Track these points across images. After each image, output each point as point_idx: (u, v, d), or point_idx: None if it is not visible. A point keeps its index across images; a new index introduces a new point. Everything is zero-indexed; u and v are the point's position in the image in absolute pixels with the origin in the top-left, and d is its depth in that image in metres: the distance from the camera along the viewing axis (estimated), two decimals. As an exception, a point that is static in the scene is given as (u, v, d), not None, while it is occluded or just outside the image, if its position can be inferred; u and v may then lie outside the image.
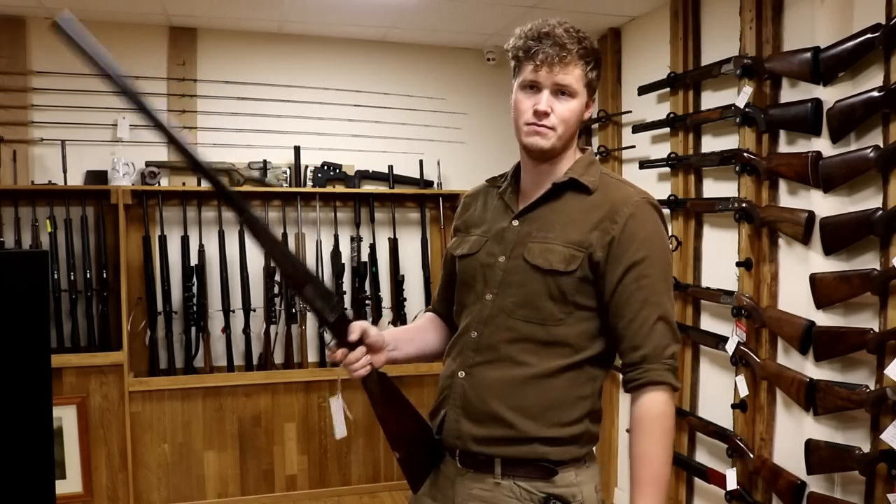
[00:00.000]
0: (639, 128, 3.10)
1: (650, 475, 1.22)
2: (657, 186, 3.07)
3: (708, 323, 2.78)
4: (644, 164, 3.04)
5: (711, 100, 2.75)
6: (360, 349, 1.29)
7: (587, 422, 1.30)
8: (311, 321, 3.60)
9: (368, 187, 3.73)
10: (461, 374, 1.32)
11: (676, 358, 1.26)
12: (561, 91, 1.26)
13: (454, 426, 1.31)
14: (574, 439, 1.29)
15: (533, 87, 1.27)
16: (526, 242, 1.30)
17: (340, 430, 1.43)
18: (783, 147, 2.38)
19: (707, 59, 2.76)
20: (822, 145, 2.14)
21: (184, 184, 3.45)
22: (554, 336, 1.27)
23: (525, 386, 1.27)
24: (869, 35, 1.96)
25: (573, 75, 1.26)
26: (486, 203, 1.43)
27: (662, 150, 2.97)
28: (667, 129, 2.94)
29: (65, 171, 3.22)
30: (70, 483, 3.14)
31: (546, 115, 1.26)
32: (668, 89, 2.92)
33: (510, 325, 1.28)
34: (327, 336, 1.37)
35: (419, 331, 1.51)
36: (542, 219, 1.31)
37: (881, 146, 1.95)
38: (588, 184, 1.30)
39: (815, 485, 2.15)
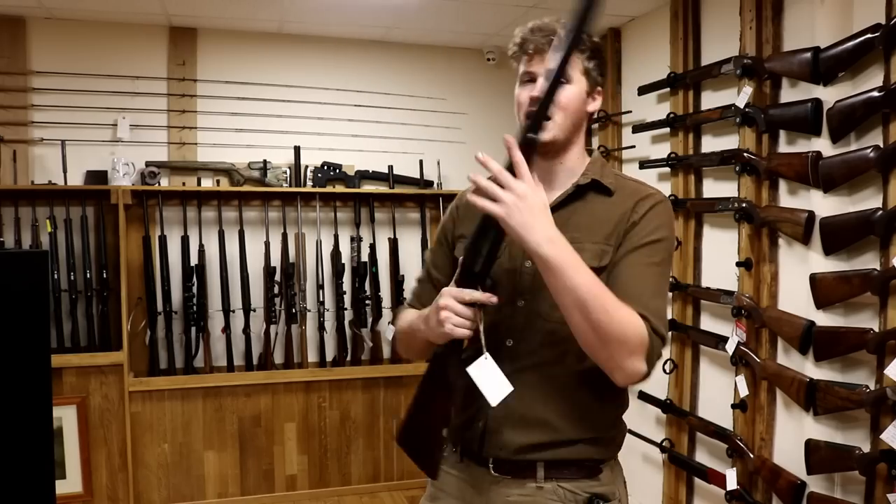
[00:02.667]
0: (639, 128, 3.10)
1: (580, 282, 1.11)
2: (657, 186, 3.02)
3: (708, 323, 2.78)
4: (644, 164, 3.04)
5: (711, 100, 2.75)
6: (474, 311, 1.17)
7: (623, 420, 1.32)
8: (310, 321, 3.60)
9: (368, 187, 3.73)
10: None
11: (667, 329, 1.23)
12: None
13: (496, 437, 1.28)
14: (614, 438, 1.30)
15: (529, 79, 1.27)
16: None
17: (500, 392, 1.20)
18: (783, 147, 2.38)
19: (707, 59, 2.76)
20: (822, 145, 2.13)
21: (184, 184, 3.45)
22: None
23: (567, 389, 1.26)
24: (869, 35, 1.96)
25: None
26: None
27: (662, 150, 2.97)
28: (667, 129, 2.94)
29: (65, 171, 3.22)
30: (70, 483, 3.14)
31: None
32: (668, 89, 2.92)
33: (548, 329, 1.26)
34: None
35: None
36: (566, 220, 1.27)
37: (881, 146, 1.95)
38: (609, 185, 1.30)
39: (815, 485, 2.15)
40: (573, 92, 1.26)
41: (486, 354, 1.21)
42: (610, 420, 1.30)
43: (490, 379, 1.21)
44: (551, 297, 1.23)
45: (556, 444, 1.26)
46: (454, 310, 1.16)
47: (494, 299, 1.16)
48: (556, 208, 1.29)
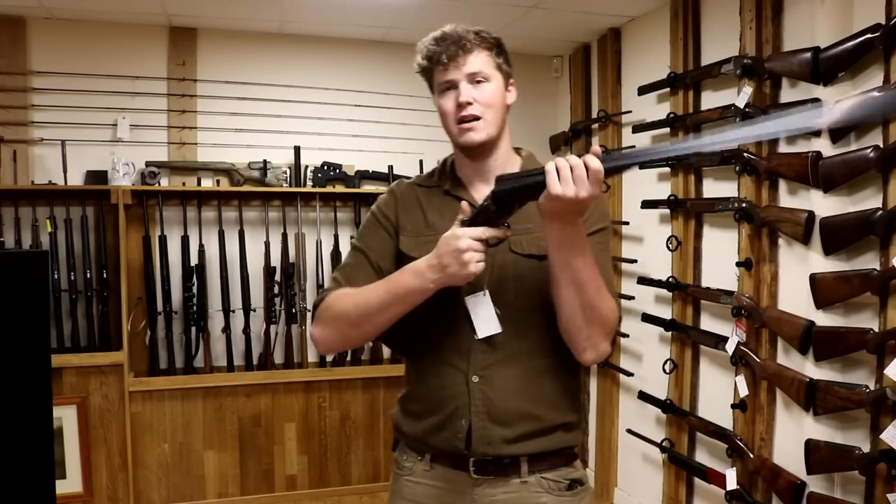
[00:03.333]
0: (639, 128, 3.10)
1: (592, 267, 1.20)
2: (657, 186, 3.07)
3: (708, 323, 2.78)
4: (644, 164, 3.04)
5: (711, 100, 2.75)
6: (483, 254, 1.19)
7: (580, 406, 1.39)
8: (310, 321, 3.59)
9: (368, 187, 3.73)
10: (475, 378, 1.29)
11: (619, 324, 1.31)
12: (476, 80, 1.30)
13: (482, 434, 1.28)
14: (579, 422, 1.36)
15: (450, 87, 1.31)
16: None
17: (490, 328, 1.27)
18: (783, 147, 2.38)
19: (707, 59, 2.76)
20: (822, 145, 2.14)
21: (184, 184, 3.45)
22: (554, 321, 1.27)
23: (541, 377, 1.30)
24: (869, 35, 1.96)
25: (480, 60, 1.31)
26: (431, 203, 1.38)
27: (662, 150, 2.97)
28: (667, 129, 2.93)
29: (65, 171, 3.22)
30: (70, 483, 3.14)
31: (469, 104, 1.29)
32: (668, 89, 2.92)
33: (516, 319, 1.29)
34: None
35: None
36: (517, 211, 1.28)
37: (881, 146, 1.95)
38: None
39: (815, 485, 2.15)
40: (494, 88, 1.32)
41: (486, 291, 1.27)
42: (577, 403, 1.37)
43: (484, 313, 1.28)
44: (517, 288, 1.29)
45: (539, 433, 1.29)
46: (475, 249, 1.18)
47: (510, 232, 1.21)
48: None
